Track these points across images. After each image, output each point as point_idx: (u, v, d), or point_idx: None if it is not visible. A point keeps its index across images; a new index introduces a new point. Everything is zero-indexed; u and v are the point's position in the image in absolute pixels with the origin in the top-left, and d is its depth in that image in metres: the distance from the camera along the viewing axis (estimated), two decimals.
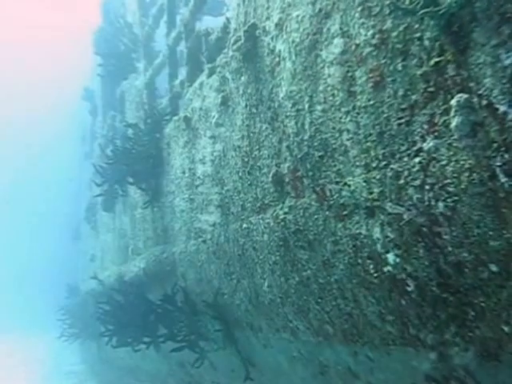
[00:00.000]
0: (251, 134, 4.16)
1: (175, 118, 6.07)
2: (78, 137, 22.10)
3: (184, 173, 5.76)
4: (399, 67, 2.62)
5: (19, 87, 33.63)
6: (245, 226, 4.38)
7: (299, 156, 3.50)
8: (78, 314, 14.84)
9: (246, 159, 4.26)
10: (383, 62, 2.70)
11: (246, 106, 4.20)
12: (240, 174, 4.39)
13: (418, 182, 2.56)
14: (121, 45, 8.56)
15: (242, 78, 4.24)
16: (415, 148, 2.58)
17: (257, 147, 4.09)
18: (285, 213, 3.74)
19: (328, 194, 3.24)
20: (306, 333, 4.00)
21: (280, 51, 3.64)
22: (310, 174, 3.41)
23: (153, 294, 7.31)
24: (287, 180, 3.70)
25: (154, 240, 7.17)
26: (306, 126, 3.39)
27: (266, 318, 4.48)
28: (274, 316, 4.35)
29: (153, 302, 6.30)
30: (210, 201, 5.05)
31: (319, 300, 3.64)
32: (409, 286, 2.80)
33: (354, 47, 2.90)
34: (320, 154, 3.28)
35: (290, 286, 3.92)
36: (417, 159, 2.56)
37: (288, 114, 3.59)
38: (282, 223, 3.78)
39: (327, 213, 3.27)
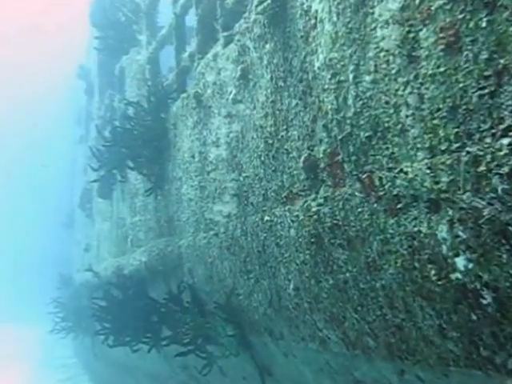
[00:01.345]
0: (277, 112, 3.69)
1: (183, 95, 5.59)
2: (72, 119, 21.64)
3: (193, 157, 5.29)
4: (483, 23, 2.14)
5: (6, 67, 33.06)
6: (267, 218, 3.93)
7: (340, 137, 3.04)
8: (71, 307, 14.44)
9: (271, 141, 3.79)
10: (460, 17, 2.23)
11: (272, 78, 3.73)
12: (262, 158, 3.93)
13: (506, 170, 2.10)
14: (121, 15, 8.06)
15: (267, 46, 3.76)
16: (502, 126, 2.11)
17: (284, 127, 3.62)
18: (318, 204, 3.28)
19: (377, 182, 2.78)
20: (339, 344, 3.56)
21: (317, 11, 3.16)
22: (354, 158, 2.95)
23: (155, 291, 6.89)
24: (323, 166, 3.24)
25: (157, 231, 6.72)
26: (350, 101, 2.92)
27: (290, 324, 4.04)
28: (299, 323, 3.91)
29: (155, 300, 5.86)
30: (225, 189, 4.59)
31: (359, 308, 3.19)
32: (484, 298, 2.35)
33: (417, 1, 2.43)
34: (367, 134, 2.82)
35: (322, 290, 3.47)
36: (504, 140, 2.10)
37: (326, 86, 3.12)
38: (315, 217, 3.33)
39: (375, 205, 2.81)
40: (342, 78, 2.97)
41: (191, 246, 5.45)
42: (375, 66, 2.72)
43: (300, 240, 3.55)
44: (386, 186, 2.72)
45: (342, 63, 2.97)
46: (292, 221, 3.61)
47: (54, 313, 14.39)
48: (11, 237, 34.55)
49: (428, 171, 2.44)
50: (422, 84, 2.44)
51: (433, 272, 2.56)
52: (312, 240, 3.42)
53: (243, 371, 5.27)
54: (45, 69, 30.38)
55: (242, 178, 4.28)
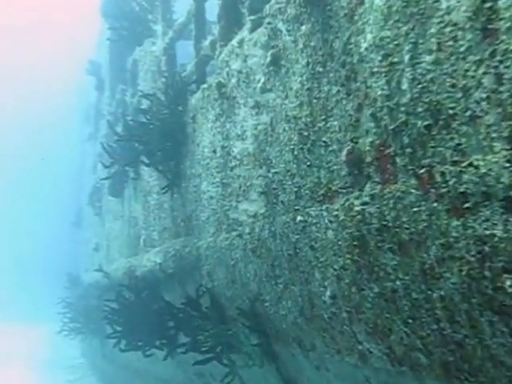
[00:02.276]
0: (314, 101, 3.35)
1: (204, 86, 5.27)
2: (80, 116, 21.42)
3: (215, 152, 4.97)
4: None
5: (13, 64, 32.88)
6: (299, 218, 3.59)
7: (391, 127, 2.70)
8: (79, 308, 14.16)
9: (306, 133, 3.45)
10: None
11: (308, 64, 3.39)
12: (295, 152, 3.59)
13: None
14: (135, 5, 7.75)
15: (303, 28, 3.42)
16: None
17: (322, 117, 3.28)
18: (363, 203, 2.94)
19: (438, 178, 2.43)
20: (382, 359, 3.22)
21: None
22: (409, 151, 2.60)
23: (169, 294, 6.58)
24: (369, 160, 2.90)
25: (173, 231, 6.40)
26: (405, 86, 2.58)
27: (324, 334, 3.70)
28: (335, 334, 3.57)
29: (171, 304, 5.54)
30: (251, 186, 4.26)
31: (410, 320, 2.85)
32: None
33: None
34: (426, 123, 2.47)
35: (365, 299, 3.13)
36: None
37: (375, 70, 2.78)
38: (359, 217, 2.99)
39: (435, 205, 2.47)
40: (396, 60, 2.63)
41: (211, 248, 5.13)
42: (438, 43, 2.37)
43: (339, 243, 3.21)
44: (450, 183, 2.37)
45: (395, 42, 2.63)
46: (330, 221, 3.27)
47: (63, 313, 14.14)
48: (18, 235, 34.42)
49: (507, 164, 2.10)
50: (500, 62, 2.09)
51: (508, 283, 2.21)
52: (354, 243, 3.08)
53: (266, 383, 4.94)
54: (52, 65, 30.19)
55: (270, 175, 3.94)
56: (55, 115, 29.42)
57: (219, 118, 4.84)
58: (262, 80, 3.97)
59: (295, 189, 3.64)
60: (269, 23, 3.86)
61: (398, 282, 2.83)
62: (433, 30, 2.40)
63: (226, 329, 4.90)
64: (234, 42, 4.47)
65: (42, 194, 32.83)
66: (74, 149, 24.67)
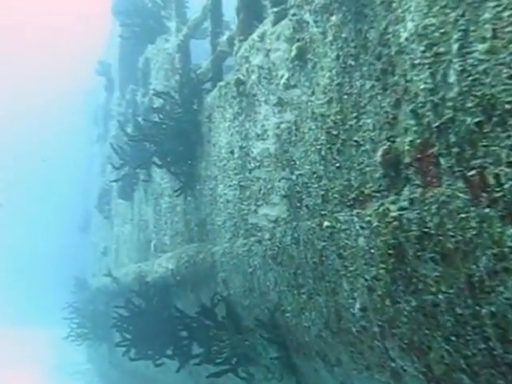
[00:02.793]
0: (344, 97, 3.13)
1: (221, 83, 5.05)
2: (88, 117, 21.32)
3: (232, 153, 4.75)
4: None
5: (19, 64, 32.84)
6: (327, 224, 3.36)
7: (435, 124, 2.46)
8: (86, 313, 13.98)
9: (335, 132, 3.23)
10: None
11: (338, 57, 3.16)
12: (323, 152, 3.36)
13: None
14: (147, 1, 7.56)
15: (333, 19, 3.20)
16: None
17: (354, 115, 3.05)
18: (401, 208, 2.71)
19: (491, 181, 2.20)
20: (418, 378, 2.98)
21: None
22: (456, 150, 2.37)
23: (181, 301, 6.37)
24: (408, 160, 2.67)
25: (186, 236, 6.19)
26: (452, 78, 2.35)
27: (351, 349, 3.47)
28: (364, 349, 3.33)
29: (184, 313, 5.31)
30: (272, 189, 4.03)
31: (453, 338, 2.61)
32: None
33: None
34: (478, 119, 2.24)
35: (400, 313, 2.89)
36: None
37: (416, 62, 2.55)
38: (395, 223, 2.75)
39: (487, 211, 2.23)
40: (442, 50, 2.40)
41: (227, 254, 4.91)
42: (493, 30, 2.14)
43: (372, 251, 2.98)
44: (506, 186, 2.14)
45: (441, 31, 2.40)
46: (362, 228, 3.04)
47: (70, 318, 13.95)
48: (24, 238, 34.34)
49: None
50: None
51: None
52: (389, 251, 2.84)
53: None
54: (60, 65, 30.14)
55: (294, 177, 3.72)
56: (62, 116, 29.35)
57: (237, 116, 4.62)
58: (286, 76, 3.75)
59: (322, 192, 3.41)
60: (294, 15, 3.64)
61: (440, 296, 2.59)
62: (487, 16, 2.17)
63: (242, 339, 4.67)
64: (255, 36, 4.26)
65: (48, 196, 32.76)
66: (81, 150, 24.58)
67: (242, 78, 4.47)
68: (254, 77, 4.28)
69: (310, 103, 3.49)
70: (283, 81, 3.77)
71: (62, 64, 30.26)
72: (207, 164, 5.43)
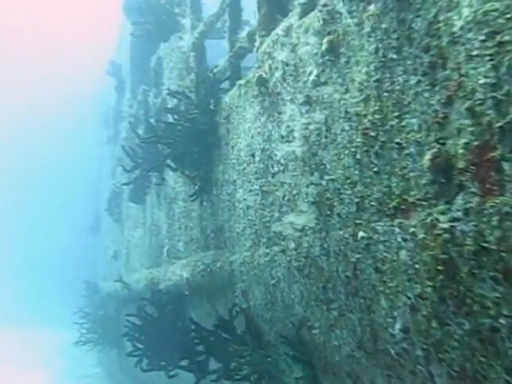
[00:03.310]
0: (385, 94, 2.82)
1: (240, 82, 4.76)
2: (99, 119, 21.15)
3: (253, 156, 4.45)
4: None
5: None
6: (362, 234, 3.05)
7: (498, 124, 2.15)
8: (96, 317, 13.73)
9: (373, 133, 2.92)
10: None
11: (377, 50, 2.86)
12: (358, 155, 3.06)
13: None
14: None
15: (371, 8, 2.89)
16: None
17: (395, 114, 2.75)
18: (453, 219, 2.40)
19: None
20: None
21: None
22: None
23: (196, 311, 6.08)
24: (463, 165, 2.36)
25: (201, 243, 5.89)
26: None
27: (389, 373, 3.15)
28: (404, 374, 3.02)
29: (200, 325, 5.01)
30: (298, 195, 3.73)
31: None
32: None
33: None
34: None
35: (450, 337, 2.58)
36: None
37: (474, 53, 2.24)
38: (446, 236, 2.44)
39: None
40: (507, 38, 2.09)
41: (247, 263, 4.61)
42: None
43: (416, 266, 2.67)
44: None
45: (506, 16, 2.09)
46: (404, 240, 2.73)
47: (80, 324, 13.72)
48: (33, 239, 34.21)
49: None
50: None
51: None
52: (438, 268, 2.53)
53: None
54: (70, 67, 29.99)
55: (324, 182, 3.41)
56: (72, 118, 29.21)
57: (259, 117, 4.32)
58: (315, 72, 3.45)
59: (356, 199, 3.11)
60: (324, 5, 3.33)
61: (501, 320, 2.27)
62: None
63: (264, 355, 4.36)
64: (279, 30, 3.96)
65: (58, 197, 32.62)
66: (91, 152, 24.43)
67: (264, 75, 4.17)
68: (278, 74, 3.98)
69: (343, 102, 3.18)
70: (312, 77, 3.47)
71: (71, 65, 30.11)
72: (225, 167, 5.14)
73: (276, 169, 4.05)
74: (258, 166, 4.36)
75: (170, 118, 6.25)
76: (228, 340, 4.69)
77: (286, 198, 3.92)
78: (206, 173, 5.56)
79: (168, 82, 7.53)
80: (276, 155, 4.05)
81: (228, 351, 4.62)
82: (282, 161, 3.96)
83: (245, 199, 4.64)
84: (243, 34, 4.92)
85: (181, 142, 5.54)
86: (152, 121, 7.65)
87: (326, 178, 3.39)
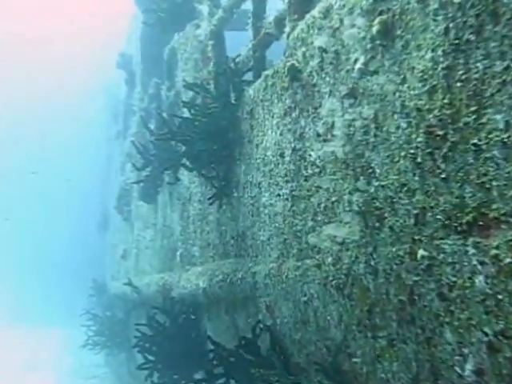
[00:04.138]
0: (457, 85, 2.32)
1: (266, 72, 4.26)
2: (107, 112, 20.76)
3: (282, 155, 3.96)
4: None
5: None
6: (423, 253, 2.56)
7: None
8: (104, 320, 13.31)
9: (440, 132, 2.42)
10: None
11: (447, 31, 2.35)
12: (419, 158, 2.56)
13: None
14: None
15: None
16: None
17: (472, 108, 2.25)
18: None
19: None
20: None
21: None
22: None
23: (213, 323, 5.61)
24: None
25: (220, 249, 5.41)
26: None
27: None
28: None
29: (220, 344, 4.53)
30: (338, 203, 3.23)
31: None
32: None
33: None
34: None
35: None
36: None
37: None
38: None
39: None
40: None
41: (273, 276, 4.12)
42: None
43: (499, 297, 2.17)
44: None
45: None
46: (482, 263, 2.23)
47: (87, 326, 13.30)
48: (39, 235, 33.90)
49: None
50: None
51: None
52: None
53: None
54: (79, 58, 29.56)
55: (372, 189, 2.92)
56: (80, 111, 28.83)
57: (290, 112, 3.83)
58: (362, 59, 2.95)
59: (415, 211, 2.61)
60: None
61: None
62: None
63: (293, 382, 3.88)
64: (316, 12, 3.45)
65: (65, 192, 32.28)
66: (100, 147, 24.09)
67: (297, 64, 3.67)
68: (314, 63, 3.48)
69: (398, 94, 2.68)
70: (358, 66, 2.97)
71: (81, 56, 29.70)
72: (248, 168, 4.65)
73: (310, 171, 3.56)
74: (287, 168, 3.87)
75: (186, 113, 5.78)
76: (251, 361, 4.21)
77: (322, 206, 3.42)
78: (225, 173, 5.08)
79: (182, 74, 7.04)
80: (310, 156, 3.55)
81: (251, 374, 4.14)
82: (317, 162, 3.46)
83: (271, 204, 4.15)
84: (269, 19, 4.42)
85: (198, 138, 5.06)
86: (165, 115, 7.18)
87: (375, 183, 2.89)
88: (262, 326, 4.34)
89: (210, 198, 5.14)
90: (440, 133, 2.42)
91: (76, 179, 30.59)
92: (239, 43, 5.72)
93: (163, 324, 6.52)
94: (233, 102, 4.86)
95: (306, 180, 3.63)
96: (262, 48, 4.72)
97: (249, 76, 4.98)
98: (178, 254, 7.06)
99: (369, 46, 2.91)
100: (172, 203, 7.54)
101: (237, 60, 4.99)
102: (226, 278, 4.90)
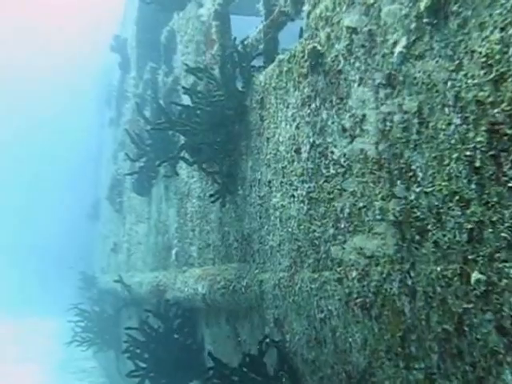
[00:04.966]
0: None
1: (281, 56, 3.83)
2: (100, 98, 20.29)
3: (298, 152, 3.53)
4: None
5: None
6: (478, 276, 2.15)
7: None
8: (93, 315, 12.88)
9: (510, 130, 2.00)
10: None
11: None
12: (478, 162, 2.14)
13: None
14: None
15: None
16: None
17: None
18: None
19: None
20: None
21: None
22: None
23: (211, 330, 5.21)
24: None
25: (221, 251, 5.00)
26: None
27: None
28: None
29: (221, 362, 4.11)
30: (367, 210, 2.82)
31: None
32: None
33: None
34: None
35: None
36: None
37: None
38: None
39: None
40: None
41: (284, 287, 3.71)
42: None
43: None
44: None
45: None
46: None
47: (75, 322, 12.88)
48: (28, 223, 33.39)
49: None
50: None
51: None
52: None
53: None
54: (70, 41, 28.93)
55: (412, 196, 2.50)
56: (72, 96, 28.29)
57: (309, 102, 3.40)
58: (404, 41, 2.52)
59: (470, 225, 2.19)
60: None
61: None
62: None
63: None
64: None
65: (56, 180, 31.78)
66: (92, 133, 23.67)
67: (319, 47, 3.24)
68: (340, 45, 3.05)
69: (451, 83, 2.26)
70: (399, 49, 2.54)
71: (72, 40, 29.10)
72: (256, 164, 4.22)
73: (332, 171, 3.14)
74: (304, 166, 3.45)
75: (186, 101, 5.34)
76: (257, 381, 3.81)
77: (346, 212, 3.00)
78: (229, 169, 4.65)
79: (182, 58, 6.59)
80: (333, 153, 3.13)
81: None
82: (342, 161, 3.04)
83: (283, 206, 3.73)
84: None
85: (200, 129, 4.63)
86: (162, 102, 6.74)
87: (417, 190, 2.47)
88: (268, 341, 3.93)
89: (212, 196, 4.71)
90: (508, 132, 2.00)
91: (66, 165, 30.11)
92: (243, 30, 5.30)
93: (156, 329, 6.11)
94: (240, 89, 4.42)
95: (326, 181, 3.20)
96: (274, 29, 4.27)
97: (258, 61, 4.54)
98: (174, 252, 6.65)
99: (413, 25, 2.48)
100: (168, 197, 7.11)
101: (245, 42, 4.54)
102: (228, 285, 4.49)
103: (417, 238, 2.49)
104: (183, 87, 5.06)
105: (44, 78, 30.49)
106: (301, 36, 4.10)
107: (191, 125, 4.62)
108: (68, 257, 27.92)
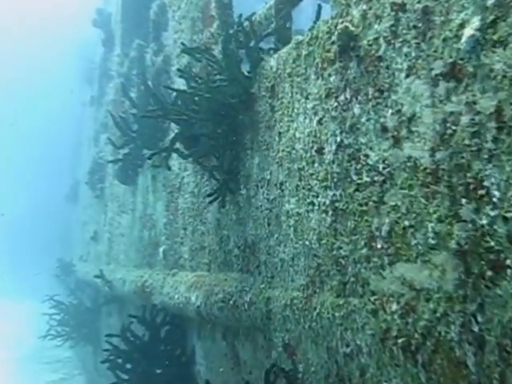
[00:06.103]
0: None
1: (300, 38, 3.28)
2: (80, 75, 19.58)
3: (321, 152, 3.01)
4: None
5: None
6: None
7: None
8: (69, 308, 12.33)
9: None
10: None
11: None
12: None
13: None
14: None
15: None
16: None
17: None
18: None
19: None
20: None
21: None
22: None
23: (204, 343, 4.73)
24: None
25: (219, 257, 4.48)
26: None
27: None
28: None
29: None
30: (416, 231, 2.31)
31: None
32: None
33: None
34: None
35: None
36: None
37: None
38: None
39: None
40: None
41: (298, 309, 3.21)
42: None
43: None
44: None
45: None
46: None
47: (50, 314, 12.32)
48: (6, 203, 32.57)
49: None
50: None
51: None
52: None
53: None
54: (51, 15, 27.98)
55: (484, 220, 2.00)
56: (51, 71, 27.43)
57: (336, 93, 2.87)
58: (477, 23, 2.00)
59: None
60: None
61: None
62: None
63: None
64: None
65: (32, 160, 30.98)
66: (71, 112, 23.01)
67: (351, 28, 2.70)
68: (382, 26, 2.52)
69: None
70: (470, 32, 2.02)
71: (52, 12, 28.14)
72: (264, 161, 3.69)
73: (367, 178, 2.62)
74: (329, 169, 2.93)
75: (179, 84, 4.79)
76: None
77: (384, 230, 2.50)
78: (231, 164, 4.11)
79: (175, 36, 6.00)
80: (368, 157, 2.61)
81: None
82: (380, 167, 2.53)
83: (299, 214, 3.21)
84: None
85: (198, 118, 4.08)
86: (150, 84, 6.16)
87: (491, 213, 1.97)
88: (277, 369, 3.44)
89: (210, 195, 4.18)
90: None
91: (44, 143, 29.30)
92: (248, 5, 4.76)
93: (141, 337, 5.60)
94: (246, 74, 3.88)
95: (358, 189, 2.69)
96: (288, 5, 3.72)
97: (267, 43, 4.00)
98: (161, 250, 6.12)
99: (490, 2, 1.96)
100: (155, 189, 6.57)
101: (253, 19, 3.98)
102: (228, 299, 3.98)
103: (488, 273, 1.99)
104: (178, 69, 4.50)
105: (19, 49, 29.55)
106: (318, 15, 3.58)
107: (188, 113, 4.07)
108: (43, 240, 27.28)
